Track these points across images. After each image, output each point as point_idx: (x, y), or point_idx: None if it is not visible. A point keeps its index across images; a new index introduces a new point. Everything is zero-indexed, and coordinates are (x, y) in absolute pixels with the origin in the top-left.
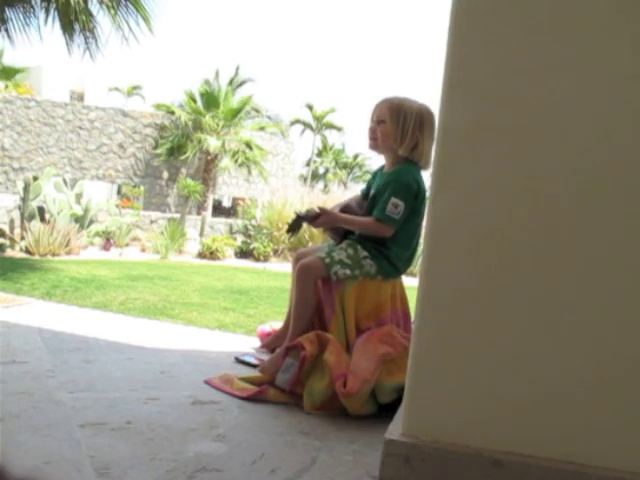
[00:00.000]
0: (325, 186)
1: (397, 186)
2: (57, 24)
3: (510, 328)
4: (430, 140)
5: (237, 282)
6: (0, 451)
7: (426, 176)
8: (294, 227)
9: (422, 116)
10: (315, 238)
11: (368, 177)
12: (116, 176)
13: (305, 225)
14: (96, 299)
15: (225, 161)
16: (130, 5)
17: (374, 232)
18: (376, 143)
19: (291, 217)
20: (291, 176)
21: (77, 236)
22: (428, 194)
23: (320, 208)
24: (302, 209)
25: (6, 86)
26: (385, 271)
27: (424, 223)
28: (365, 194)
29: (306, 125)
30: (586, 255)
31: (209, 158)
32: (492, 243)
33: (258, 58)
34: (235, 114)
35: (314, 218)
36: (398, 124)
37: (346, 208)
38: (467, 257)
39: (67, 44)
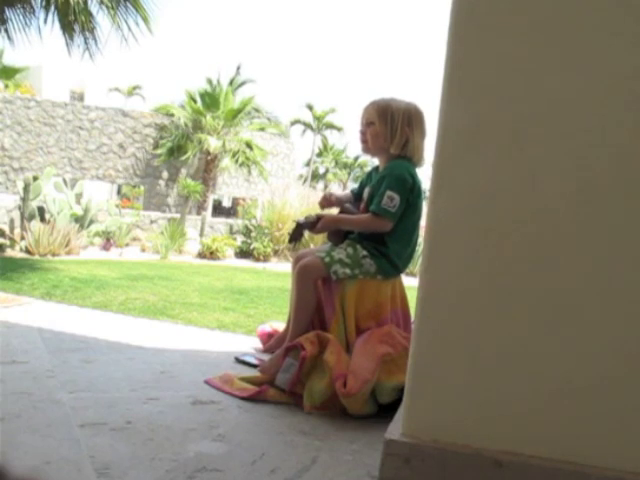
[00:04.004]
0: (325, 186)
1: (391, 180)
2: (57, 24)
3: (510, 328)
4: (420, 136)
5: (237, 282)
6: (0, 451)
7: (422, 174)
8: (295, 236)
9: (410, 113)
10: (315, 240)
11: None
12: (116, 176)
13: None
14: (96, 299)
15: (225, 161)
16: (130, 5)
17: (373, 228)
18: (367, 146)
19: (291, 226)
20: (291, 176)
21: (77, 236)
22: (428, 194)
23: (318, 214)
24: (300, 217)
25: (6, 86)
26: (385, 270)
27: (423, 222)
28: (357, 193)
29: (306, 125)
30: (587, 254)
31: (209, 158)
32: (492, 243)
33: (258, 58)
34: (236, 114)
35: (313, 224)
36: (386, 123)
37: (343, 210)
38: (467, 257)
39: (67, 44)
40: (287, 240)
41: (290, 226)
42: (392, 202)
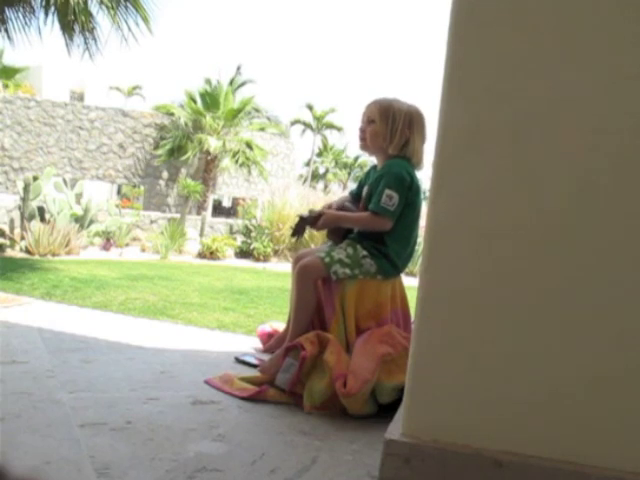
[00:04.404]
0: (325, 186)
1: (389, 178)
2: (57, 24)
3: (510, 328)
4: (420, 138)
5: (237, 282)
6: (0, 451)
7: (422, 174)
8: (298, 230)
9: (411, 115)
10: (316, 239)
11: None
12: (116, 176)
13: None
14: (96, 299)
15: (226, 161)
16: (130, 5)
17: (373, 226)
18: (365, 144)
19: (294, 220)
20: (291, 176)
21: (77, 236)
22: (428, 194)
23: (320, 211)
24: (304, 212)
25: (6, 86)
26: (385, 270)
27: (424, 222)
28: (356, 194)
29: (306, 125)
30: (587, 255)
31: (209, 158)
32: (492, 243)
33: (258, 58)
34: (235, 114)
35: (315, 220)
36: (387, 123)
37: (343, 208)
38: (467, 257)
39: (67, 44)
40: (290, 234)
41: (291, 226)
42: (391, 200)
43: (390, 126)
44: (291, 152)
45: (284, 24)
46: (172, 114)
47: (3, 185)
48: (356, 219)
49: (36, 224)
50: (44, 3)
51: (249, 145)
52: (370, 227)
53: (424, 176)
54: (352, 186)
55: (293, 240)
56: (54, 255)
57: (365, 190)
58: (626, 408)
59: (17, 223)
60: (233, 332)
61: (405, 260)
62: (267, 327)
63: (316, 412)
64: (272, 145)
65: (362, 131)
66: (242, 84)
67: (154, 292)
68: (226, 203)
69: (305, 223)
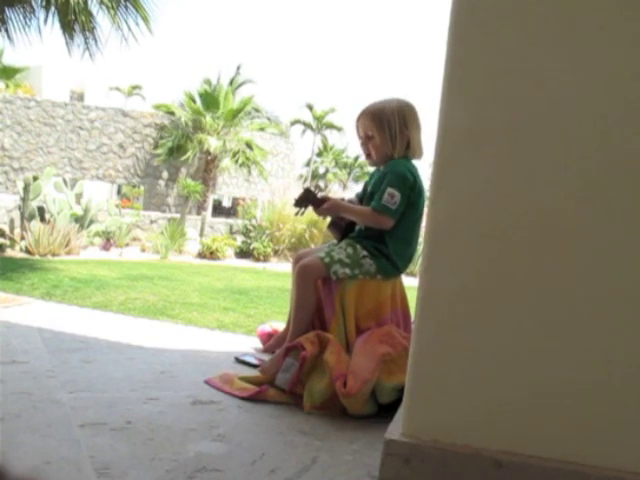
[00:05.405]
0: (325, 186)
1: (392, 177)
2: (57, 24)
3: (510, 328)
4: (417, 131)
5: (237, 282)
6: (0, 451)
7: (422, 174)
8: (300, 202)
9: (403, 112)
10: (315, 239)
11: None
12: (116, 176)
13: (306, 226)
14: (96, 299)
15: (225, 161)
16: (130, 5)
17: (373, 223)
18: (373, 160)
19: (299, 209)
20: (291, 176)
21: (77, 236)
22: (428, 194)
23: (324, 196)
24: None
25: (6, 86)
26: (385, 270)
27: (424, 222)
28: (361, 197)
29: (306, 125)
30: (587, 255)
31: (209, 158)
32: (492, 243)
33: (258, 58)
34: (235, 114)
35: (319, 203)
36: (385, 131)
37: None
38: (467, 257)
39: (67, 44)
40: (293, 204)
41: (290, 227)
42: (393, 199)
43: (388, 133)
44: (291, 152)
45: (284, 24)
46: (172, 113)
47: (3, 185)
48: (358, 211)
49: (36, 224)
50: (44, 3)
51: (249, 145)
52: (371, 223)
53: (424, 176)
54: (352, 186)
55: (295, 211)
56: (54, 255)
57: (369, 190)
58: (626, 408)
59: (17, 223)
60: (233, 332)
61: (407, 261)
62: (267, 327)
63: (316, 412)
64: (272, 145)
65: (364, 147)
66: (242, 84)
67: (154, 292)
68: (226, 203)
69: (309, 196)
